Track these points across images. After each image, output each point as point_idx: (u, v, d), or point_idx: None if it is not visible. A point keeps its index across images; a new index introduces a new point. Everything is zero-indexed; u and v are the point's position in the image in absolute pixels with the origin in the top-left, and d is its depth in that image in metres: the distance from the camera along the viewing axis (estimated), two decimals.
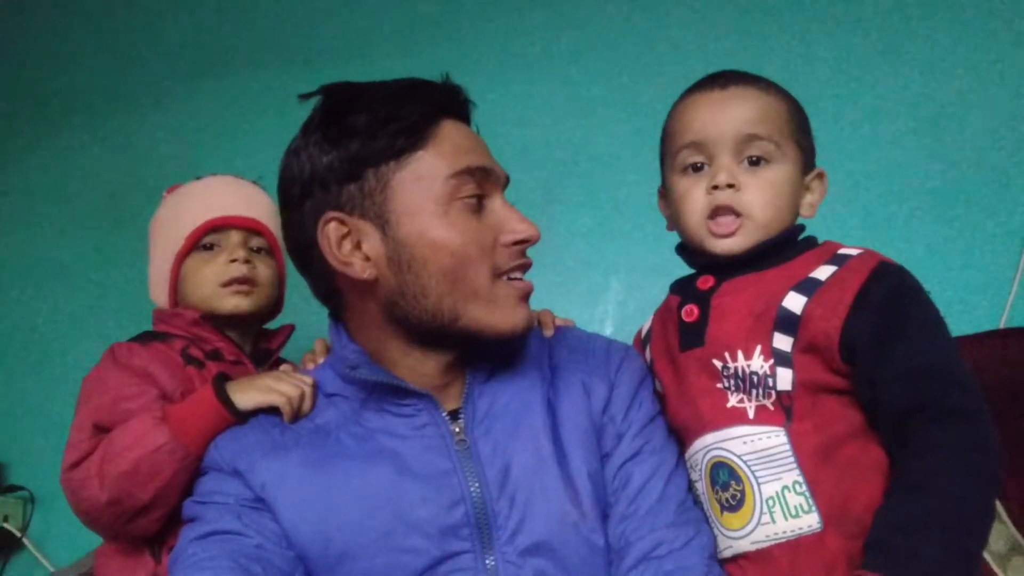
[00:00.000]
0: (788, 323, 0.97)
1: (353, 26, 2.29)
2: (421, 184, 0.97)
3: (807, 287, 0.98)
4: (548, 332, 1.17)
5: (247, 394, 1.08)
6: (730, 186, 1.02)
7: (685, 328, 1.07)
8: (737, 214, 1.03)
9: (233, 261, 1.32)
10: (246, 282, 1.33)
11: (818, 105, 1.97)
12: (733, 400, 1.00)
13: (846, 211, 1.92)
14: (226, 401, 1.06)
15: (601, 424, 1.06)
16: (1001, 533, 1.37)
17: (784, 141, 1.05)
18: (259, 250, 1.38)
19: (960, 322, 1.81)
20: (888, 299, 0.94)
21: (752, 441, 0.97)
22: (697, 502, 1.06)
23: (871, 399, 0.93)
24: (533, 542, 0.95)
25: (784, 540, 0.94)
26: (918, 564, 0.79)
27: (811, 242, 1.08)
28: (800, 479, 0.94)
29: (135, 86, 2.39)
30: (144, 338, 1.29)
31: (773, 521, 0.94)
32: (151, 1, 2.43)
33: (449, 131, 1.00)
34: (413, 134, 0.97)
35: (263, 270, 1.36)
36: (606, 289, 2.02)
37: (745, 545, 0.97)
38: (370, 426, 1.01)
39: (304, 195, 0.99)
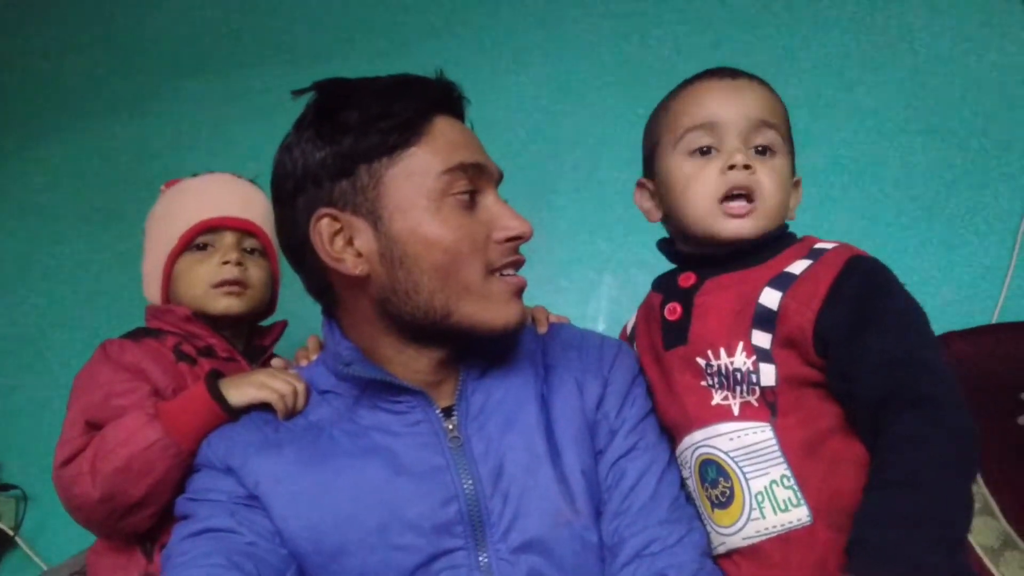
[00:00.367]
0: (765, 319, 0.97)
1: (345, 23, 2.29)
2: (414, 180, 0.96)
3: (782, 281, 0.98)
4: (542, 329, 1.17)
5: (240, 391, 1.07)
6: (747, 168, 1.01)
7: (668, 326, 1.08)
8: (750, 199, 1.02)
9: (225, 263, 1.32)
10: (237, 284, 1.32)
11: (810, 101, 2.01)
12: (717, 398, 1.01)
13: (839, 208, 1.93)
14: (219, 398, 1.06)
15: (595, 421, 1.06)
16: (993, 528, 1.37)
17: (785, 137, 1.07)
18: (253, 251, 1.38)
19: (953, 317, 1.82)
20: (861, 291, 0.94)
21: (738, 437, 0.98)
22: (689, 499, 1.06)
23: (846, 391, 0.93)
24: (526, 539, 0.95)
25: (775, 534, 0.95)
26: (905, 561, 0.77)
27: (792, 238, 1.08)
28: (788, 473, 0.95)
29: (126, 85, 2.38)
30: (136, 334, 1.29)
31: (763, 516, 0.95)
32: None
33: (442, 127, 1.00)
34: (406, 130, 0.97)
35: (255, 272, 1.36)
36: (599, 285, 2.02)
37: (737, 541, 0.98)
38: (363, 423, 1.01)
39: (297, 191, 0.99)
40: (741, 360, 0.98)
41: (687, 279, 1.09)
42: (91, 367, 1.22)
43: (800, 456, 0.95)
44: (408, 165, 0.96)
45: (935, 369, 0.89)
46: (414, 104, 0.98)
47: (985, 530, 1.36)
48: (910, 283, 1.89)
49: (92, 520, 1.11)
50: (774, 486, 0.95)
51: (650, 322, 1.13)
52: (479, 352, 1.06)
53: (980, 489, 1.42)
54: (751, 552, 0.97)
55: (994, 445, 1.42)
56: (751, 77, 1.08)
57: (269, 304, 1.43)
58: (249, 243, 1.37)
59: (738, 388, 0.99)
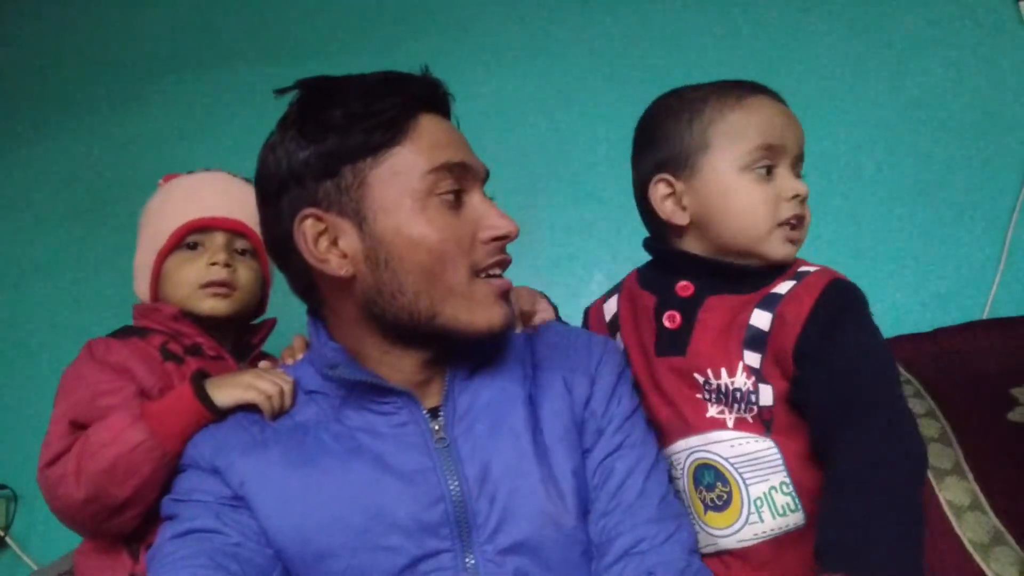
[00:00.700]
0: (757, 340, 1.01)
1: (333, 21, 2.29)
2: (398, 180, 0.95)
3: (769, 302, 1.02)
4: (529, 329, 1.16)
5: (226, 392, 1.06)
6: (804, 199, 1.07)
7: (665, 333, 1.09)
8: (798, 225, 1.07)
9: (213, 264, 1.31)
10: (224, 285, 1.31)
11: (803, 100, 1.98)
12: (712, 411, 1.04)
13: (832, 206, 1.93)
14: (205, 399, 1.05)
15: (583, 419, 1.05)
16: (984, 524, 1.37)
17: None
18: (243, 252, 1.37)
19: (945, 312, 1.83)
20: (832, 312, 0.98)
21: (739, 445, 1.01)
22: (678, 496, 1.07)
23: (803, 399, 0.98)
24: (513, 541, 0.95)
25: (771, 538, 0.99)
26: (869, 555, 0.81)
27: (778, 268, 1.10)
28: (787, 480, 0.99)
29: (114, 83, 2.38)
30: (122, 333, 1.28)
31: (761, 520, 0.99)
32: None
33: (427, 125, 0.99)
34: (389, 129, 0.96)
35: (244, 273, 1.35)
36: (589, 282, 2.03)
37: (731, 543, 1.00)
38: (350, 424, 1.00)
39: (281, 191, 0.98)
40: (742, 380, 1.01)
41: (685, 288, 1.10)
42: (77, 367, 1.21)
43: (797, 465, 0.99)
44: (392, 165, 0.96)
45: (888, 385, 0.96)
46: (398, 103, 0.97)
47: (976, 526, 1.36)
48: (901, 278, 1.92)
49: (77, 521, 1.11)
50: (773, 492, 0.99)
51: (640, 320, 1.14)
52: (466, 352, 1.05)
53: (970, 485, 1.41)
54: (743, 553, 0.99)
55: (985, 441, 1.42)
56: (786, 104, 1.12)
57: (259, 304, 1.42)
58: (240, 244, 1.36)
59: (736, 406, 1.02)
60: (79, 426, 1.12)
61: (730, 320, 1.04)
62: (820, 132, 1.96)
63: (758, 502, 0.99)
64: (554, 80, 2.12)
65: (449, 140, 1.00)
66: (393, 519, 0.94)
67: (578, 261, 2.03)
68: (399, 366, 1.02)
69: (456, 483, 0.96)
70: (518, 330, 1.14)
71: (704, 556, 1.03)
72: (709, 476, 1.03)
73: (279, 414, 1.05)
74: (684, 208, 1.10)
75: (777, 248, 1.05)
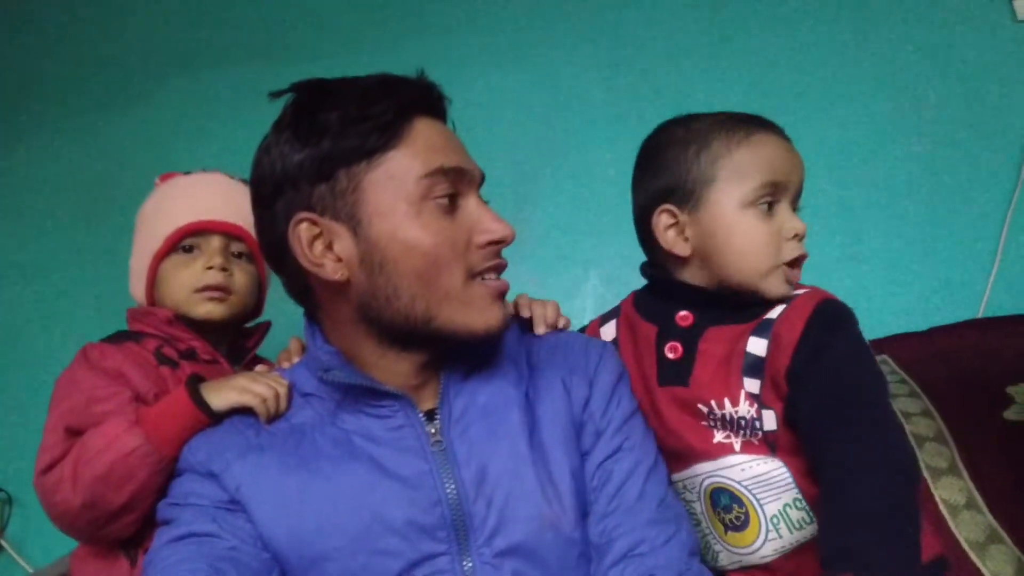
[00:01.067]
0: (755, 367, 1.03)
1: (325, 22, 2.28)
2: (393, 184, 0.95)
3: (764, 328, 1.04)
4: (541, 329, 1.16)
5: (221, 395, 1.06)
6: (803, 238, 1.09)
7: (666, 364, 1.11)
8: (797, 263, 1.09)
9: (209, 268, 1.30)
10: (220, 289, 1.31)
11: (792, 96, 2.01)
12: (719, 437, 1.05)
13: (825, 204, 1.94)
14: (200, 403, 1.05)
15: (581, 422, 1.06)
16: (979, 523, 1.37)
17: None
18: (240, 255, 1.36)
19: (939, 311, 1.83)
20: (820, 332, 1.01)
21: (749, 468, 1.03)
22: (694, 518, 1.09)
23: (794, 417, 1.00)
24: (511, 544, 0.95)
25: (791, 550, 1.02)
26: (868, 556, 0.84)
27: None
28: (799, 496, 1.01)
29: (107, 84, 2.37)
30: (117, 338, 1.27)
31: (780, 536, 1.02)
32: None
33: (422, 129, 0.98)
34: (384, 133, 0.95)
35: (240, 277, 1.34)
36: (584, 282, 2.03)
37: (754, 560, 1.03)
38: (346, 427, 1.01)
39: (276, 194, 0.98)
40: (745, 408, 1.03)
41: (685, 319, 1.11)
42: (71, 372, 1.20)
43: (806, 481, 1.01)
44: (387, 169, 0.95)
45: (876, 400, 0.98)
46: (393, 106, 0.97)
47: (971, 524, 1.36)
48: (896, 278, 1.92)
49: (74, 527, 1.10)
50: (787, 509, 1.01)
51: (640, 349, 1.16)
52: (462, 355, 1.05)
53: (966, 484, 1.42)
54: (768, 567, 1.03)
55: (980, 440, 1.42)
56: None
57: (255, 307, 1.42)
58: (236, 247, 1.35)
59: (741, 432, 1.04)
60: (74, 432, 1.11)
61: (729, 350, 1.06)
62: (813, 132, 1.96)
63: (775, 519, 1.02)
64: (547, 81, 2.12)
65: (445, 144, 1.00)
66: (390, 522, 0.94)
67: (573, 262, 2.03)
68: (395, 369, 1.01)
69: (453, 486, 0.97)
70: (539, 330, 1.15)
71: (730, 572, 1.06)
72: (725, 499, 1.05)
73: (275, 417, 1.05)
74: (686, 239, 1.11)
75: (776, 287, 1.07)
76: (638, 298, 1.22)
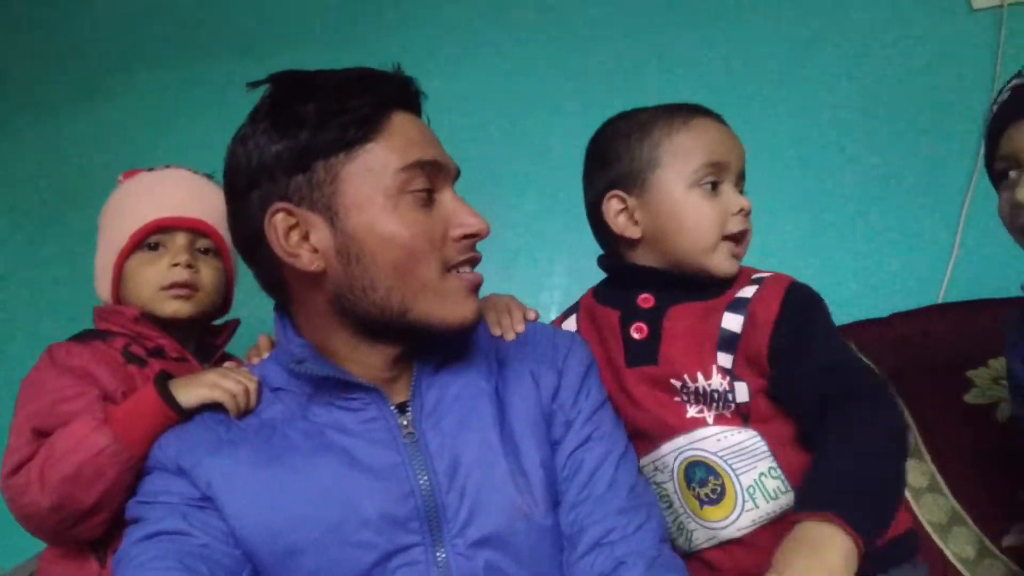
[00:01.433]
0: (729, 341, 1.08)
1: (293, 16, 2.26)
2: (371, 177, 0.95)
3: (738, 305, 1.10)
4: (509, 336, 1.16)
5: (190, 391, 1.06)
6: (748, 214, 1.15)
7: (633, 345, 1.14)
8: (741, 240, 1.15)
9: (175, 265, 1.29)
10: (187, 287, 1.30)
11: (755, 83, 2.02)
12: (692, 411, 1.09)
13: (787, 196, 1.95)
14: (169, 399, 1.04)
15: (551, 412, 1.07)
16: (942, 505, 1.41)
17: None
18: (206, 251, 1.35)
19: (900, 298, 1.85)
20: (799, 312, 1.08)
21: (725, 438, 1.07)
22: (665, 500, 1.11)
23: (788, 393, 1.05)
24: (484, 534, 0.96)
25: (767, 521, 1.04)
26: (861, 502, 0.85)
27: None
28: (774, 464, 1.05)
29: (73, 78, 2.34)
30: (83, 337, 1.26)
31: (756, 506, 1.04)
32: None
33: (400, 123, 0.99)
34: (364, 126, 0.96)
35: (208, 273, 1.34)
36: (550, 275, 2.04)
37: (731, 532, 1.05)
38: (318, 420, 1.01)
39: (251, 185, 0.97)
40: (717, 381, 1.07)
41: (646, 300, 1.16)
42: (37, 372, 1.19)
43: (781, 449, 1.06)
44: (365, 161, 0.96)
45: (864, 370, 1.09)
46: (372, 99, 0.97)
47: (934, 507, 1.40)
48: (857, 265, 1.94)
49: (43, 528, 1.10)
50: (763, 478, 1.05)
51: (604, 336, 1.19)
52: (433, 348, 1.06)
53: (929, 467, 1.45)
54: (744, 540, 1.05)
55: (942, 424, 1.46)
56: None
57: (223, 304, 1.41)
58: (202, 243, 1.34)
59: (714, 405, 1.08)
60: (42, 433, 1.10)
61: (698, 325, 1.11)
62: (774, 123, 1.98)
63: (751, 489, 1.05)
64: (516, 77, 2.12)
65: (422, 138, 1.00)
66: (363, 515, 0.94)
67: (539, 255, 2.03)
68: (367, 362, 1.02)
69: (426, 477, 0.97)
70: (508, 337, 1.15)
71: (705, 551, 1.08)
72: (701, 472, 1.07)
73: (245, 413, 1.05)
74: (636, 223, 1.17)
75: (722, 262, 1.13)
76: (597, 290, 1.27)
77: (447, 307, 0.99)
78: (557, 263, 2.03)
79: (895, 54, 1.99)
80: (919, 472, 1.42)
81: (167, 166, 1.40)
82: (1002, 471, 1.39)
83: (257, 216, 0.97)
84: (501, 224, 2.01)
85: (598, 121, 1.28)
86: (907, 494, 1.43)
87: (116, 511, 1.07)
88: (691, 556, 1.09)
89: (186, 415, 1.05)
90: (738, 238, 1.15)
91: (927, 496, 1.42)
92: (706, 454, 1.07)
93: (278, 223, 0.96)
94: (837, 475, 0.90)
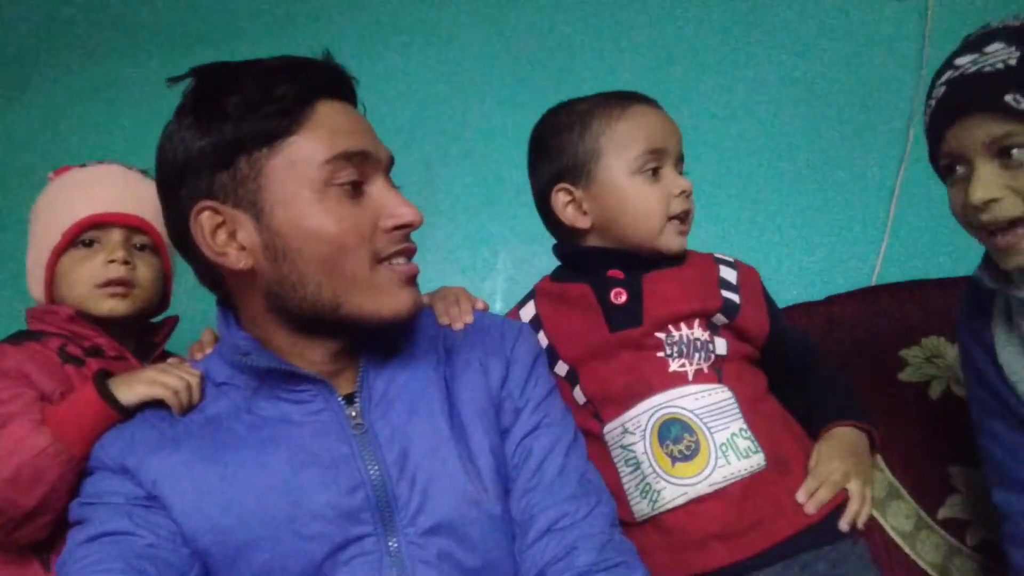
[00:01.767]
0: (729, 310, 1.20)
1: (227, 7, 2.21)
2: (295, 170, 0.93)
3: (729, 286, 1.22)
4: (457, 325, 1.16)
5: (131, 389, 1.04)
6: (689, 194, 1.22)
7: (614, 310, 1.18)
8: (686, 218, 1.22)
9: (111, 262, 1.26)
10: (123, 284, 1.27)
11: (694, 80, 2.04)
12: (675, 365, 1.15)
13: (724, 181, 1.98)
14: (109, 398, 1.02)
15: (499, 400, 1.07)
16: (879, 480, 1.44)
17: None
18: (143, 248, 1.32)
19: (835, 280, 1.90)
20: (770, 296, 1.29)
21: (702, 397, 1.13)
22: (632, 462, 1.13)
23: (776, 359, 1.26)
24: (435, 522, 0.96)
25: (739, 479, 1.10)
26: (860, 412, 1.23)
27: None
28: (744, 426, 1.13)
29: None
30: (17, 338, 1.23)
31: (728, 463, 1.10)
32: None
33: (326, 113, 0.96)
34: (286, 117, 0.94)
35: (144, 270, 1.31)
36: (494, 263, 2.03)
37: (703, 488, 1.09)
38: (264, 414, 0.99)
39: (179, 182, 0.96)
40: (699, 332, 1.17)
41: (617, 274, 1.21)
42: None
43: (750, 411, 1.15)
44: (289, 154, 0.93)
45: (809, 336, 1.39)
46: (295, 90, 0.95)
47: (873, 483, 1.43)
48: (792, 249, 1.98)
49: None
50: (735, 437, 1.12)
51: (576, 307, 1.22)
52: (379, 339, 1.05)
53: None
54: (717, 496, 1.09)
55: (879, 401, 1.49)
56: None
57: (160, 301, 1.38)
58: (138, 239, 1.31)
59: (696, 355, 1.16)
60: None
61: (689, 275, 1.22)
62: (714, 112, 2.01)
63: (723, 447, 1.11)
64: (453, 65, 2.11)
65: (349, 127, 0.98)
66: (313, 507, 0.93)
67: (482, 244, 2.03)
68: (309, 357, 1.01)
69: (376, 468, 0.97)
70: (456, 327, 1.15)
71: (664, 514, 1.10)
72: (676, 429, 1.12)
73: (188, 409, 1.03)
74: (585, 213, 1.23)
75: (670, 241, 1.20)
76: (554, 275, 1.30)
77: (380, 300, 0.97)
78: (500, 251, 2.03)
79: (825, 41, 2.03)
80: None
81: (99, 162, 1.37)
82: (936, 447, 1.44)
83: (186, 214, 0.96)
84: (441, 214, 2.02)
85: (537, 108, 1.30)
86: None
87: (59, 513, 1.04)
88: (648, 522, 1.12)
89: (127, 413, 1.03)
90: (682, 217, 1.21)
91: None
92: (683, 411, 1.12)
93: (204, 221, 0.94)
94: (839, 400, 1.23)
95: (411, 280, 1.01)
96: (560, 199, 1.23)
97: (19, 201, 1.38)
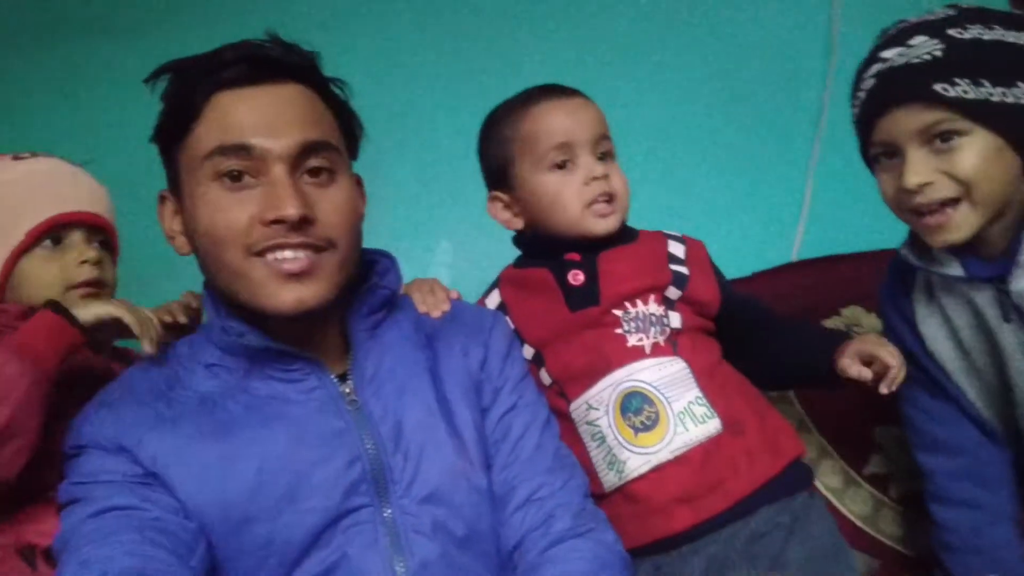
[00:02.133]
0: (679, 282, 1.26)
1: None
2: (192, 165, 0.97)
3: (677, 260, 1.29)
4: (435, 313, 1.20)
5: (88, 308, 1.06)
6: (605, 177, 1.24)
7: (573, 291, 1.24)
8: (610, 200, 1.25)
9: (84, 263, 1.25)
10: (96, 284, 1.26)
11: (622, 64, 2.11)
12: (632, 340, 1.21)
13: (648, 164, 2.05)
14: (65, 314, 1.03)
15: (479, 380, 1.12)
16: (808, 440, 1.54)
17: (610, 138, 1.30)
18: (102, 245, 1.31)
19: (757, 258, 1.98)
20: (716, 267, 1.36)
21: (659, 369, 1.19)
22: (598, 436, 1.18)
23: (734, 325, 1.32)
24: (428, 492, 1.00)
25: (697, 444, 1.16)
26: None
27: (632, 229, 1.34)
28: (700, 394, 1.19)
29: None
30: None
31: (687, 430, 1.16)
32: None
33: (222, 104, 0.96)
34: (185, 112, 0.97)
35: (110, 269, 1.30)
36: (435, 251, 2.06)
37: (664, 455, 1.15)
38: (259, 394, 1.02)
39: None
40: (654, 307, 1.23)
41: (573, 255, 1.26)
42: None
43: (704, 380, 1.20)
44: (189, 148, 0.97)
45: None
46: (192, 84, 0.97)
47: (828, 474, 1.53)
48: (718, 230, 2.06)
49: None
50: (691, 406, 1.18)
51: (538, 292, 1.28)
52: (362, 323, 1.09)
53: (797, 409, 1.58)
54: (678, 461, 1.15)
55: None
56: (577, 94, 1.30)
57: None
58: (99, 238, 1.30)
59: (652, 329, 1.22)
60: None
61: (641, 251, 1.28)
62: (639, 100, 2.07)
63: (681, 415, 1.16)
64: (395, 52, 2.12)
65: (239, 119, 0.96)
66: (314, 481, 0.97)
67: (424, 232, 2.05)
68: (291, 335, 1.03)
69: (371, 442, 1.00)
70: (435, 315, 1.19)
71: (631, 483, 1.16)
72: (637, 401, 1.18)
73: (157, 344, 1.07)
74: (518, 215, 1.32)
75: (594, 225, 1.25)
76: (517, 262, 1.36)
77: (259, 294, 0.96)
78: (442, 240, 2.05)
79: (741, 30, 2.13)
80: (789, 415, 1.55)
81: (33, 153, 1.33)
82: (859, 408, 1.53)
83: None
84: (384, 203, 2.01)
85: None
86: None
87: (32, 444, 1.01)
88: (617, 492, 1.18)
89: (85, 332, 1.05)
90: (606, 199, 1.25)
91: (799, 435, 1.55)
92: (642, 384, 1.18)
93: (161, 209, 1.05)
94: (822, 338, 1.26)
95: (293, 276, 0.96)
96: (496, 206, 1.33)
97: None
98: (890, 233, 1.28)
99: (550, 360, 1.25)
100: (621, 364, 1.20)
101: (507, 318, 1.28)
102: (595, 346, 1.21)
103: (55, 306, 1.04)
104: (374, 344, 1.09)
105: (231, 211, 0.95)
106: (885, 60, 1.09)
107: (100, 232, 1.30)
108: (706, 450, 1.15)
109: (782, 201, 2.06)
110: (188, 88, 0.97)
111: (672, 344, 1.22)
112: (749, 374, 1.29)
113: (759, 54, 2.11)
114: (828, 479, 1.51)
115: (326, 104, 1.07)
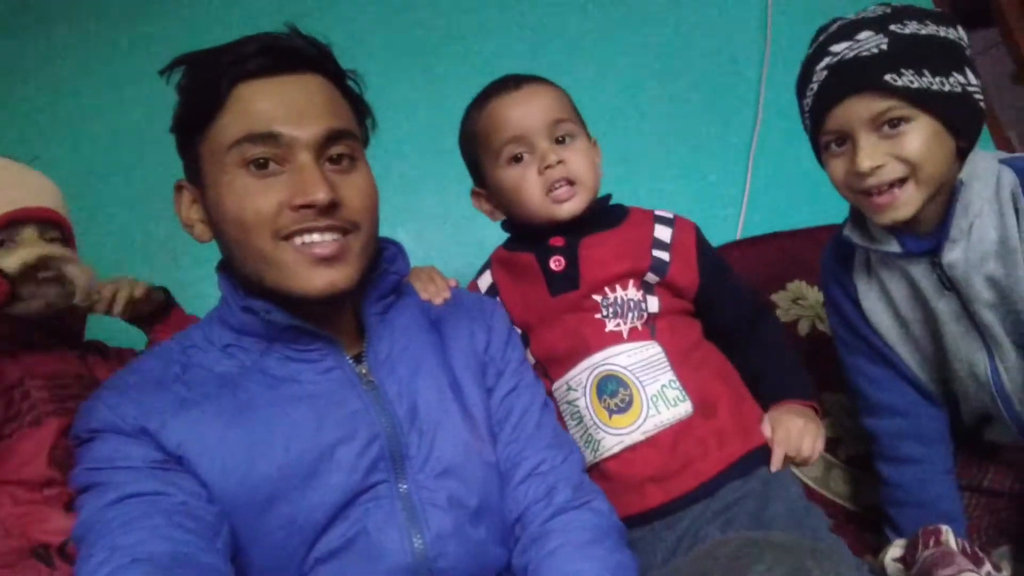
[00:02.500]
0: (659, 269, 1.29)
1: None
2: (216, 153, 0.98)
3: (662, 245, 1.31)
4: (436, 301, 1.24)
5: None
6: (560, 163, 1.26)
7: (554, 276, 1.28)
8: (571, 183, 1.27)
9: None
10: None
11: (573, 54, 2.17)
12: (611, 325, 1.26)
13: (609, 151, 2.08)
14: None
15: (484, 362, 1.18)
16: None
17: (575, 118, 1.31)
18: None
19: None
20: (710, 250, 1.37)
21: (634, 353, 1.24)
22: (576, 416, 1.25)
23: (712, 315, 1.35)
24: (443, 468, 1.05)
25: (668, 426, 1.21)
26: (800, 385, 1.31)
27: (624, 208, 1.38)
28: (673, 377, 1.23)
29: None
30: None
31: (659, 412, 1.21)
32: None
33: (245, 95, 0.99)
34: (208, 103, 0.98)
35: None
36: (394, 239, 2.06)
37: (637, 436, 1.21)
38: (277, 374, 1.04)
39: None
40: (632, 292, 1.27)
41: (557, 240, 1.29)
42: None
43: (679, 364, 1.25)
44: (213, 138, 0.99)
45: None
46: (214, 75, 0.98)
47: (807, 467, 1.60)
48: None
49: None
50: (664, 389, 1.22)
51: (523, 275, 1.32)
52: (373, 308, 1.13)
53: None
54: (649, 442, 1.21)
55: None
56: (531, 81, 1.32)
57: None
58: (51, 234, 1.28)
59: (630, 315, 1.26)
60: None
61: (618, 252, 1.28)
62: (590, 83, 2.14)
63: (654, 398, 1.21)
64: (352, 43, 2.02)
65: (265, 109, 0.98)
66: (335, 459, 0.99)
67: (382, 220, 2.02)
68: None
69: (388, 421, 1.04)
70: (437, 302, 1.24)
71: (605, 460, 1.23)
72: (612, 384, 1.23)
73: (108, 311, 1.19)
74: (496, 207, 1.38)
75: (555, 212, 1.28)
76: (506, 244, 1.40)
77: (289, 277, 0.99)
78: (399, 228, 2.06)
79: (683, 16, 2.22)
80: None
81: None
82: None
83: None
84: None
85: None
86: None
87: None
88: (592, 470, 1.24)
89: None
90: (563, 183, 1.27)
91: None
92: (618, 368, 1.23)
93: (178, 198, 1.06)
94: (786, 372, 1.32)
95: (323, 260, 0.99)
96: (477, 201, 1.40)
97: None
98: (827, 210, 1.34)
99: (534, 342, 1.31)
100: (599, 348, 1.24)
101: (496, 299, 1.33)
102: (575, 330, 1.26)
103: None
104: (385, 327, 1.14)
105: (259, 197, 0.97)
106: (835, 54, 1.16)
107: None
108: (676, 432, 1.20)
109: (726, 183, 2.15)
110: (210, 79, 0.98)
111: (650, 328, 1.26)
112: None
113: (700, 40, 2.21)
114: None
115: (342, 94, 1.09)
